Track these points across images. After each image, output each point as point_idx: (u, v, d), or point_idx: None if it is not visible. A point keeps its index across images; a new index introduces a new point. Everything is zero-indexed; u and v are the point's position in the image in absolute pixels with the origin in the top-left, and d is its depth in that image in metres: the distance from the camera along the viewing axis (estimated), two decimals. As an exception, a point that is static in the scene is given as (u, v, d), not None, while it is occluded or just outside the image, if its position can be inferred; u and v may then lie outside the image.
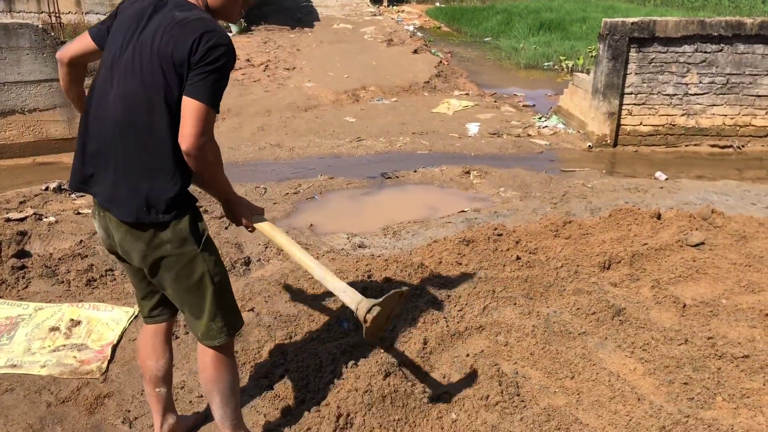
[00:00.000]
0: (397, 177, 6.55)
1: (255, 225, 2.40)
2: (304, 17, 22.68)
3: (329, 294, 3.64)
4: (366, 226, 5.28)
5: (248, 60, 12.77)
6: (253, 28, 18.79)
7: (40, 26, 6.64)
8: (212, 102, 2.01)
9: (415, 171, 6.75)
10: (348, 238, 4.92)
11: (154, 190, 2.06)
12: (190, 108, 1.98)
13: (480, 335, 3.33)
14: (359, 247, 4.74)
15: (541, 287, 3.80)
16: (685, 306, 3.63)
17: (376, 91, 10.33)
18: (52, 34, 6.84)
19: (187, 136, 1.98)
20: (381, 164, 6.92)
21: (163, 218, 2.09)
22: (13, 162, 6.77)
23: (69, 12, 16.16)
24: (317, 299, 3.70)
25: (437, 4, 29.86)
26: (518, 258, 4.12)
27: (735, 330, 3.41)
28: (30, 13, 16.11)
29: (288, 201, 5.80)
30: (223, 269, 2.27)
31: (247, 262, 4.38)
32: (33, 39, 6.51)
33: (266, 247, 4.60)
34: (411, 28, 20.51)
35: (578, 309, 3.53)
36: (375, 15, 23.39)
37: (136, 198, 2.06)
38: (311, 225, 5.27)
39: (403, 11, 26.98)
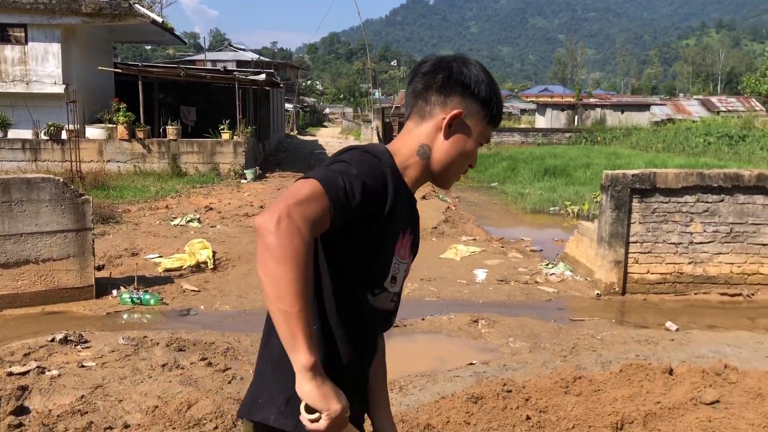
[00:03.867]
0: (405, 325, 6.51)
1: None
2: (317, 164, 23.56)
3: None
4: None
5: (261, 206, 13.14)
6: (267, 174, 19.49)
7: (61, 180, 6.93)
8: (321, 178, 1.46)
9: (423, 319, 6.72)
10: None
11: None
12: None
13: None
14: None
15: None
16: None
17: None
18: (72, 187, 7.11)
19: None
20: (388, 313, 6.89)
21: None
22: (23, 311, 6.81)
23: (91, 161, 16.89)
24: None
25: (445, 150, 30.98)
26: (528, 418, 4.00)
27: (759, 501, 3.22)
28: (54, 161, 16.85)
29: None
30: None
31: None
32: (53, 192, 6.77)
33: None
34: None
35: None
36: (385, 161, 24.30)
37: None
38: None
39: (412, 157, 27.99)
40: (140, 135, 17.54)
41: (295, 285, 1.35)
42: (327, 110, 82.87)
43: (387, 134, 29.81)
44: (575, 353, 5.50)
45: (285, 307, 1.36)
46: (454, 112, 1.66)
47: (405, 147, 1.70)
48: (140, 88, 18.12)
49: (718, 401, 4.34)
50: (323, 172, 1.49)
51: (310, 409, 1.38)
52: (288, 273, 1.35)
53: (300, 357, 1.36)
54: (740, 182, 7.76)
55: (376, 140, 30.53)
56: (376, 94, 71.66)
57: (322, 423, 1.36)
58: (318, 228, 1.42)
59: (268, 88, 25.95)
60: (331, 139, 43.03)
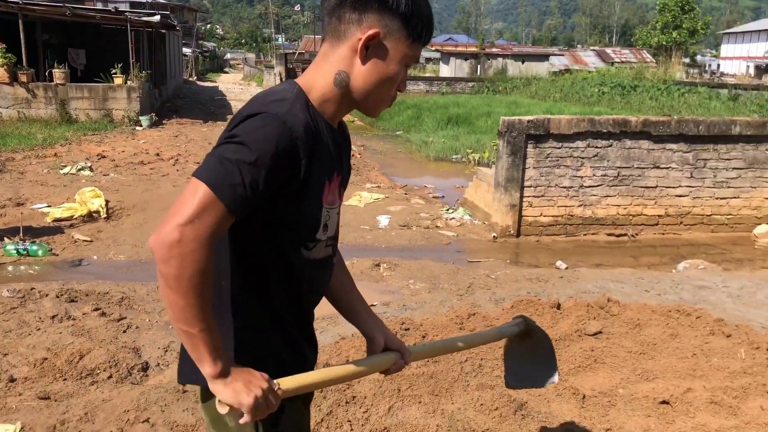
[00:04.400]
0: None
1: (284, 388, 1.48)
2: (216, 110, 22.87)
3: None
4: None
5: (157, 154, 12.66)
6: (164, 121, 18.76)
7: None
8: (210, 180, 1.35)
9: (325, 265, 6.75)
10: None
11: None
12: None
13: (385, 438, 3.27)
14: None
15: (446, 383, 3.80)
16: (584, 397, 3.70)
17: (287, 184, 10.39)
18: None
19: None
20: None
21: None
22: None
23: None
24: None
25: (350, 98, 30.76)
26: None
27: (631, 420, 3.49)
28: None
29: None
30: None
31: (145, 368, 4.20)
32: None
33: (166, 351, 4.42)
34: (324, 121, 20.99)
35: (482, 405, 3.54)
36: (289, 108, 23.85)
37: None
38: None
39: (316, 105, 27.63)
40: (23, 79, 16.35)
41: (193, 309, 1.33)
42: (228, 56, 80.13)
43: (291, 81, 29.18)
44: (471, 292, 5.70)
45: (185, 327, 1.35)
46: (371, 32, 1.47)
47: (321, 78, 1.53)
48: (21, 27, 16.79)
49: (600, 332, 4.63)
50: (213, 170, 1.34)
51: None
52: (184, 299, 1.32)
53: (206, 368, 1.38)
54: (627, 128, 8.14)
55: (279, 87, 29.83)
56: (279, 39, 69.87)
57: (246, 417, 1.40)
58: (219, 234, 1.36)
59: (163, 31, 24.74)
60: (232, 85, 41.78)
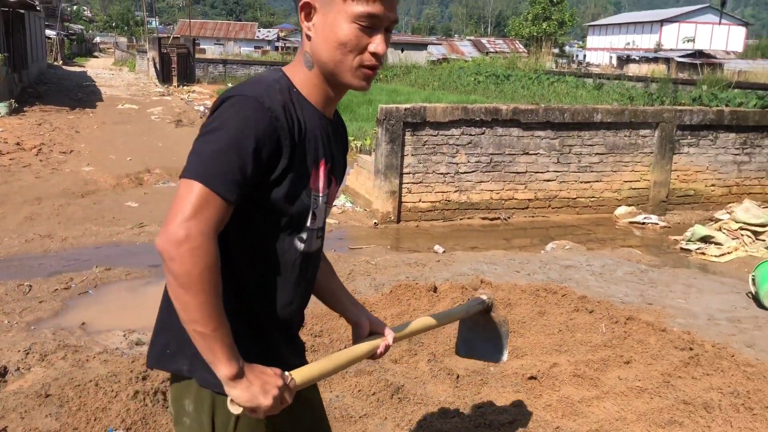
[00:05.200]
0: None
1: (297, 381, 1.46)
2: (85, 97, 21.60)
3: (100, 397, 3.35)
4: (146, 321, 4.95)
5: (18, 143, 11.81)
6: (26, 108, 17.50)
7: None
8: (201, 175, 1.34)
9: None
10: (125, 335, 4.60)
11: None
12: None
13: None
14: (137, 344, 4.45)
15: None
16: (458, 377, 3.83)
17: (161, 173, 10.02)
18: None
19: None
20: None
21: None
22: None
23: None
24: (83, 408, 3.38)
25: (229, 85, 30.03)
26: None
27: (502, 396, 3.65)
28: None
29: (57, 298, 5.31)
30: None
31: (3, 373, 3.91)
32: None
33: (27, 354, 4.14)
34: (202, 108, 20.35)
35: (359, 391, 3.58)
36: (164, 95, 22.95)
37: None
38: (83, 323, 4.85)
39: (194, 91, 26.78)
40: None
41: (206, 307, 1.31)
42: (98, 39, 75.88)
43: (165, 66, 28.05)
44: (351, 279, 5.73)
45: (199, 328, 1.32)
46: (302, 1, 1.44)
47: (298, 64, 1.52)
48: None
49: (474, 313, 4.80)
50: (201, 164, 1.33)
51: None
52: (197, 298, 1.30)
53: (222, 370, 1.34)
54: (498, 116, 8.46)
55: (152, 72, 28.63)
56: (153, 23, 66.93)
57: (260, 415, 1.39)
58: (223, 224, 1.36)
59: (22, 11, 23.00)
60: (102, 70, 39.61)
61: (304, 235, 1.54)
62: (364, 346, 1.75)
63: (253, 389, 1.35)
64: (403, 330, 1.92)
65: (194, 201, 1.31)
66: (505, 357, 2.35)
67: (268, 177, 1.42)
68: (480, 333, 2.38)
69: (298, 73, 1.51)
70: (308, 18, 1.46)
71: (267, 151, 1.38)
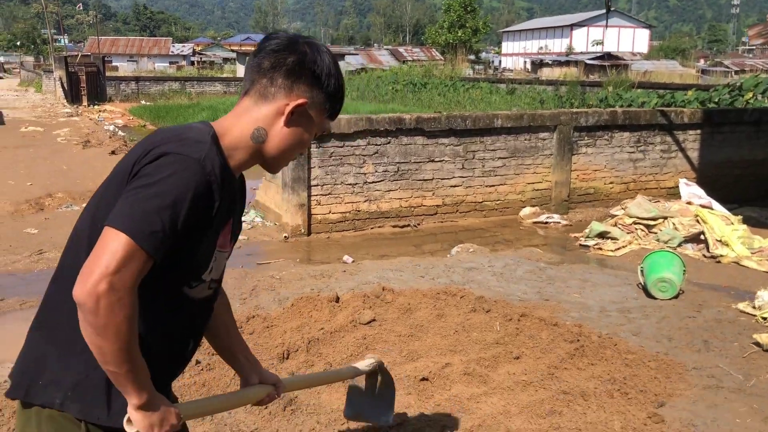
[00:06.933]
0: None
1: (182, 416, 1.62)
2: (-15, 121, 20.66)
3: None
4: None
5: None
6: None
7: None
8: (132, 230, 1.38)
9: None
10: (16, 367, 4.46)
11: None
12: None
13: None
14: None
15: (218, 389, 3.81)
16: (353, 384, 3.90)
17: (64, 197, 9.72)
18: None
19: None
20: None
21: None
22: None
23: None
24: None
25: (143, 102, 29.38)
26: (198, 362, 4.10)
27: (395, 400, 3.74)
28: None
29: (-56, 334, 5.09)
30: None
31: None
32: None
33: None
34: (112, 128, 19.83)
35: (251, 406, 3.60)
36: (72, 116, 22.22)
37: None
38: (-29, 359, 4.67)
39: (104, 110, 26.06)
40: None
41: (121, 353, 1.39)
42: (1, 59, 72.66)
43: (73, 85, 27.16)
44: (255, 295, 5.73)
45: (112, 368, 1.41)
46: (300, 101, 1.60)
47: (237, 128, 1.61)
48: None
49: (374, 320, 4.90)
50: (133, 218, 1.37)
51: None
52: (114, 345, 1.37)
53: (132, 400, 1.46)
54: (403, 125, 8.63)
55: (60, 92, 27.61)
56: (62, 41, 64.66)
57: None
58: (142, 276, 1.41)
59: None
60: (6, 92, 37.85)
61: (194, 284, 1.62)
62: (251, 394, 1.95)
63: (153, 420, 1.49)
64: (293, 381, 2.14)
65: (120, 254, 1.35)
66: (390, 418, 2.57)
67: (190, 235, 1.49)
68: (367, 396, 2.62)
69: (231, 136, 1.60)
70: (293, 113, 1.62)
71: (199, 214, 1.47)
